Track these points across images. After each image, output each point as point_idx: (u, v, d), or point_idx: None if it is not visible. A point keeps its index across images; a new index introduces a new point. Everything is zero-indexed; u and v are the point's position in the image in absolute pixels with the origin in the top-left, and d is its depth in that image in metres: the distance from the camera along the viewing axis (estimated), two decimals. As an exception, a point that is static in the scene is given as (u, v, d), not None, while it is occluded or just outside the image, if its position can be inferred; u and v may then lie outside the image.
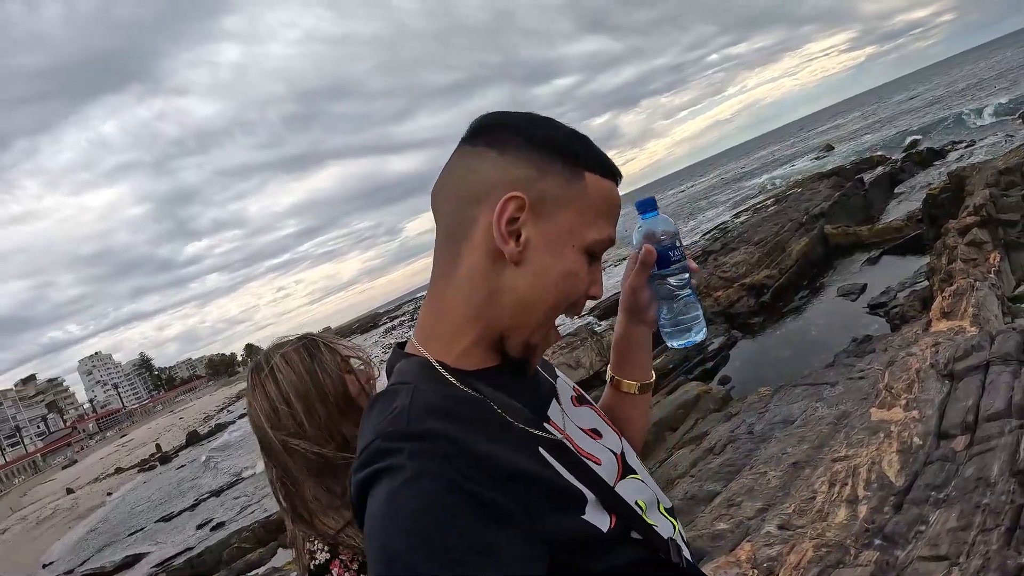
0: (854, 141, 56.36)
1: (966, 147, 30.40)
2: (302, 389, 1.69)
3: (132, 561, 23.83)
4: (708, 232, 31.86)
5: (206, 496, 30.40)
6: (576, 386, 1.23)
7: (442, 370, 0.95)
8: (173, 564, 20.12)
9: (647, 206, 1.18)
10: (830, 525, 4.03)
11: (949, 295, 7.47)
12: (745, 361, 13.68)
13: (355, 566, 1.61)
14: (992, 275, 8.61)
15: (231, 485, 30.27)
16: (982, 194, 11.28)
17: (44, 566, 30.89)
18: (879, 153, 35.31)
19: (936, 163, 27.49)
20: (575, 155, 0.98)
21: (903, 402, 5.19)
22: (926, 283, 11.40)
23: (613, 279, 31.55)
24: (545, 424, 0.98)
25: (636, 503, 1.00)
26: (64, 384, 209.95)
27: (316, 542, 1.64)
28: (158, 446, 67.97)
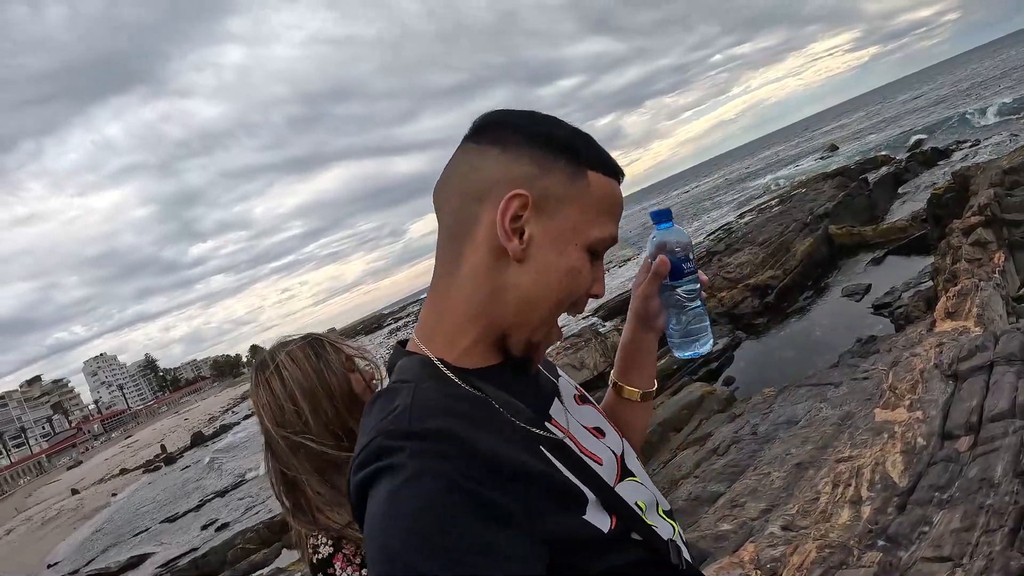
0: (858, 141, 56.22)
1: (971, 147, 30.28)
2: (308, 386, 1.70)
3: (137, 561, 23.81)
4: (712, 233, 31.76)
5: (211, 497, 30.37)
6: (578, 386, 1.23)
7: (444, 368, 0.95)
8: (178, 564, 20.11)
9: (662, 216, 1.18)
10: (833, 526, 4.02)
11: (953, 295, 7.46)
12: (749, 362, 13.64)
13: (358, 560, 1.61)
14: (996, 275, 8.59)
15: (236, 486, 30.24)
16: (986, 194, 11.25)
17: (49, 566, 30.88)
18: (883, 153, 35.19)
19: (940, 163, 27.37)
20: (578, 153, 0.98)
21: (907, 403, 5.18)
22: (930, 283, 11.35)
23: (616, 280, 31.63)
24: (547, 423, 0.98)
25: (636, 504, 0.99)
26: (69, 385, 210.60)
27: (320, 536, 1.65)
28: (163, 447, 68.03)
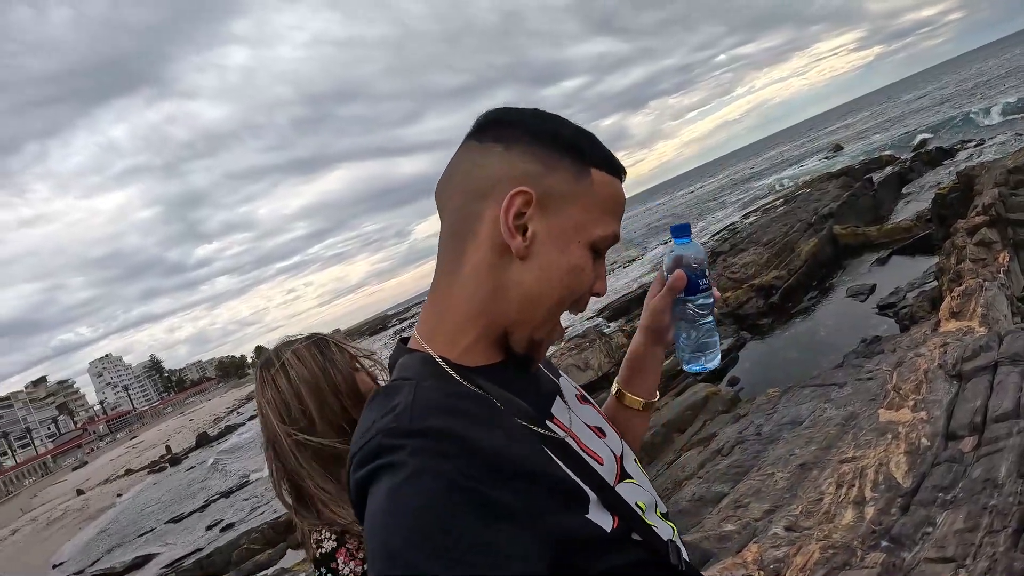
0: (863, 141, 56.16)
1: (975, 146, 30.26)
2: (314, 383, 1.71)
3: (142, 562, 23.87)
4: (717, 233, 31.77)
5: (216, 497, 30.43)
6: (579, 387, 1.23)
7: (445, 366, 0.94)
8: (183, 565, 20.16)
9: (682, 231, 1.18)
10: (837, 527, 4.02)
11: (958, 295, 7.45)
12: (754, 362, 13.64)
13: (361, 555, 1.62)
14: (1001, 275, 8.57)
15: (241, 486, 30.30)
16: (991, 193, 11.23)
17: (54, 566, 30.96)
18: (888, 153, 35.20)
19: (945, 162, 27.35)
20: (582, 151, 0.98)
21: (911, 403, 5.17)
22: (935, 283, 11.34)
23: (621, 280, 31.68)
24: (548, 422, 0.98)
25: (636, 504, 0.99)
26: (75, 386, 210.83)
27: (323, 531, 1.65)
28: (168, 448, 68.10)
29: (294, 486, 1.71)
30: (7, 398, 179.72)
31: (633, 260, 39.41)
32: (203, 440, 62.95)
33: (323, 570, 1.65)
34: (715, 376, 13.10)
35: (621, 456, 1.09)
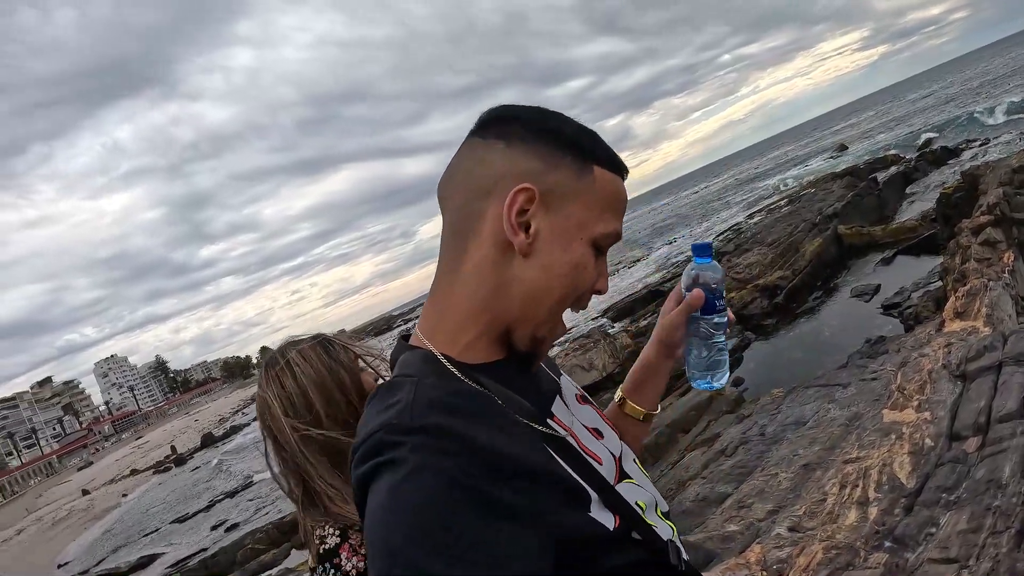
0: (868, 140, 56.06)
1: (980, 145, 30.20)
2: (320, 382, 1.71)
3: (147, 562, 23.91)
4: (722, 233, 31.74)
5: (221, 498, 30.47)
6: (579, 387, 1.24)
7: (447, 363, 0.95)
8: (187, 565, 20.18)
9: (703, 251, 1.19)
10: (840, 527, 4.01)
11: (962, 295, 7.43)
12: (758, 363, 13.60)
13: (364, 550, 1.61)
14: (1006, 275, 8.54)
15: (245, 487, 30.34)
16: (995, 193, 11.19)
17: (59, 566, 31.04)
18: (893, 152, 35.14)
19: (950, 162, 27.29)
20: (584, 149, 0.98)
21: (915, 403, 5.16)
22: (940, 283, 11.32)
23: (626, 280, 31.66)
24: (549, 420, 0.98)
25: (636, 503, 0.99)
26: (80, 386, 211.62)
27: (326, 527, 1.65)
28: (173, 448, 68.20)
29: (300, 482, 1.71)
30: (13, 398, 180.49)
31: (638, 260, 39.37)
32: (208, 440, 63.04)
33: (326, 566, 1.65)
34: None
35: (620, 457, 1.09)
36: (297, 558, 15.10)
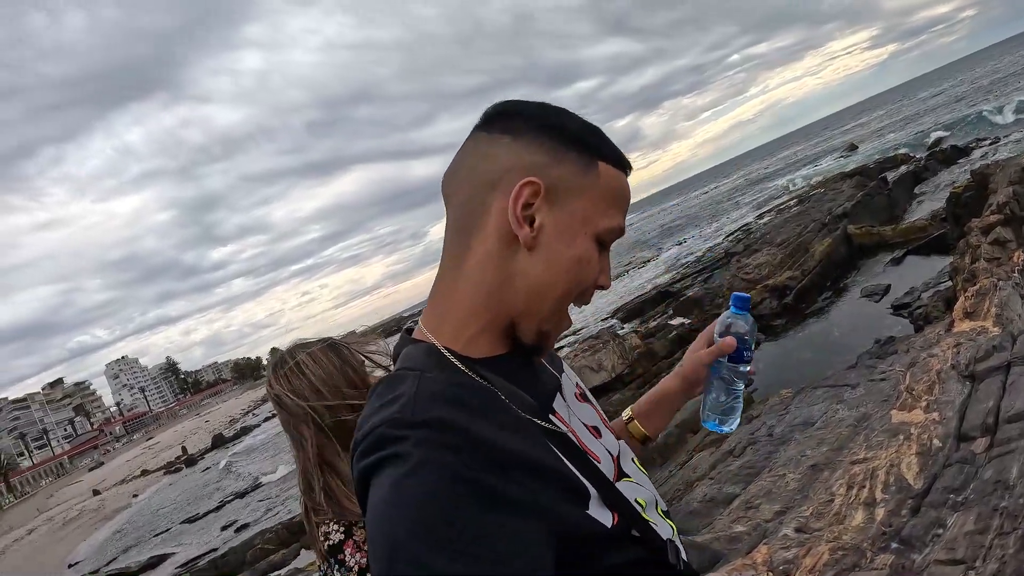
0: (878, 140, 55.82)
1: (990, 144, 30.06)
2: (330, 382, 1.72)
3: (157, 561, 24.01)
4: (731, 233, 31.70)
5: (231, 498, 30.55)
6: (579, 382, 1.24)
7: (450, 357, 0.95)
8: (198, 565, 20.26)
9: (742, 303, 1.25)
10: (847, 528, 4.00)
11: (972, 295, 7.40)
12: (767, 363, 13.54)
13: (367, 546, 1.62)
14: (1016, 274, 8.49)
15: (255, 487, 30.41)
16: (1005, 192, 11.14)
17: (70, 566, 31.21)
18: (903, 152, 35.03)
19: (960, 161, 27.17)
20: (589, 145, 0.99)
21: (924, 404, 5.14)
22: (950, 283, 11.27)
23: (636, 281, 31.64)
24: (550, 416, 0.98)
25: (636, 501, 1.00)
26: (91, 387, 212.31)
27: (331, 524, 1.67)
28: (184, 449, 68.46)
29: (321, 472, 1.72)
30: (24, 399, 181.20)
31: (648, 261, 39.28)
32: (219, 441, 63.25)
33: (331, 561, 1.66)
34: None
35: (618, 456, 1.09)
36: (307, 558, 15.12)
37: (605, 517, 0.90)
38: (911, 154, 33.12)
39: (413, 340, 1.03)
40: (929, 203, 20.72)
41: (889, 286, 14.57)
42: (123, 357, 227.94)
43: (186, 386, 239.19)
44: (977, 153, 28.14)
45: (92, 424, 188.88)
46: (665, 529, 1.03)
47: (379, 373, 1.79)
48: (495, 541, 0.75)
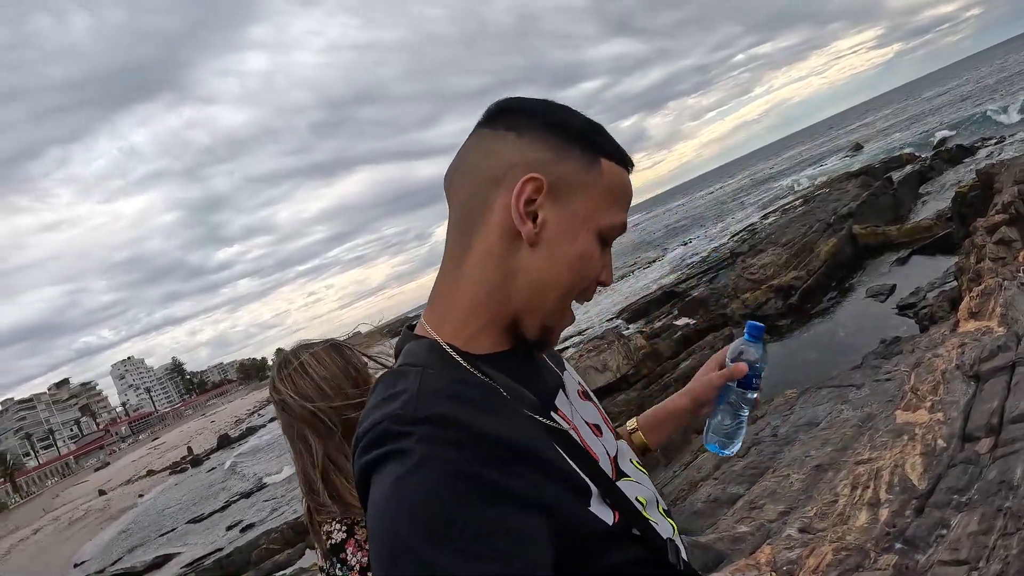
0: (883, 140, 55.72)
1: (996, 143, 29.97)
2: (334, 382, 1.72)
3: (162, 561, 24.10)
4: (736, 234, 31.70)
5: (236, 498, 30.64)
6: (581, 381, 1.24)
7: (452, 353, 0.95)
8: (203, 564, 20.33)
9: (757, 332, 1.28)
10: (851, 528, 4.00)
11: (977, 295, 7.38)
12: (772, 364, 13.18)
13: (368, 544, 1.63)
14: (1021, 273, 8.47)
15: (260, 488, 30.46)
16: (1010, 191, 11.12)
17: (75, 565, 31.35)
18: (909, 151, 34.93)
19: (966, 160, 27.08)
20: (592, 142, 0.99)
21: (928, 404, 5.13)
22: (955, 283, 11.26)
23: (641, 282, 31.64)
24: (552, 413, 0.98)
25: (636, 499, 1.00)
26: (97, 388, 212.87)
27: (333, 523, 1.67)
28: (190, 449, 68.63)
29: (323, 479, 1.73)
30: (30, 400, 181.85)
31: (653, 262, 39.29)
32: (225, 442, 63.38)
33: (333, 560, 1.67)
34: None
35: (616, 456, 1.09)
36: (311, 558, 15.13)
37: (606, 515, 0.90)
38: (916, 154, 32.98)
39: (415, 336, 1.03)
40: (934, 203, 20.67)
41: (894, 286, 14.54)
42: (129, 358, 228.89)
43: (192, 386, 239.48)
44: (982, 152, 28.04)
45: (98, 424, 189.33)
46: (666, 528, 1.03)
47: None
48: (497, 539, 0.74)
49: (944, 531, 3.61)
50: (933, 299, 11.98)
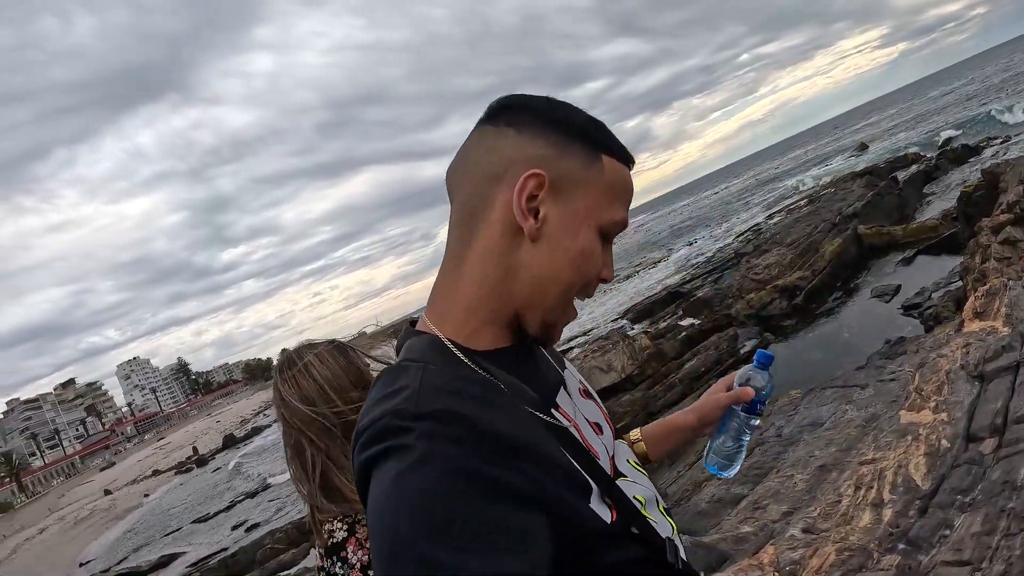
0: (888, 139, 55.56)
1: (1001, 143, 29.83)
2: (336, 383, 1.73)
3: (167, 561, 24.13)
4: (741, 234, 31.67)
5: (241, 498, 30.67)
6: (582, 380, 1.24)
7: (454, 349, 0.95)
8: (208, 564, 20.36)
9: (766, 360, 1.33)
10: (854, 529, 3.99)
11: (982, 295, 7.36)
12: (777, 364, 13.47)
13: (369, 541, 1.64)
14: (1026, 274, 8.47)
15: (264, 488, 30.48)
16: (1015, 191, 11.07)
17: (81, 564, 31.39)
18: (914, 151, 34.82)
19: (971, 160, 26.95)
20: (593, 139, 1.00)
21: (932, 404, 5.12)
22: (960, 283, 11.22)
23: (646, 282, 31.60)
24: (553, 411, 0.99)
25: (635, 498, 1.00)
26: (103, 388, 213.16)
27: (335, 521, 1.68)
28: (195, 449, 68.73)
29: (322, 479, 1.73)
30: (36, 400, 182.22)
31: (658, 262, 39.26)
32: (230, 442, 63.50)
33: (333, 559, 1.67)
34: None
35: (613, 455, 1.10)
36: (316, 558, 15.17)
37: (605, 513, 0.90)
38: (921, 153, 32.86)
39: (417, 332, 1.03)
40: (939, 203, 20.60)
41: (899, 286, 14.50)
42: (135, 358, 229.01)
43: (197, 387, 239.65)
44: (988, 152, 27.89)
45: (104, 424, 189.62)
46: (665, 527, 1.03)
47: None
48: (497, 536, 0.74)
49: (947, 532, 3.61)
50: (938, 299, 11.95)
